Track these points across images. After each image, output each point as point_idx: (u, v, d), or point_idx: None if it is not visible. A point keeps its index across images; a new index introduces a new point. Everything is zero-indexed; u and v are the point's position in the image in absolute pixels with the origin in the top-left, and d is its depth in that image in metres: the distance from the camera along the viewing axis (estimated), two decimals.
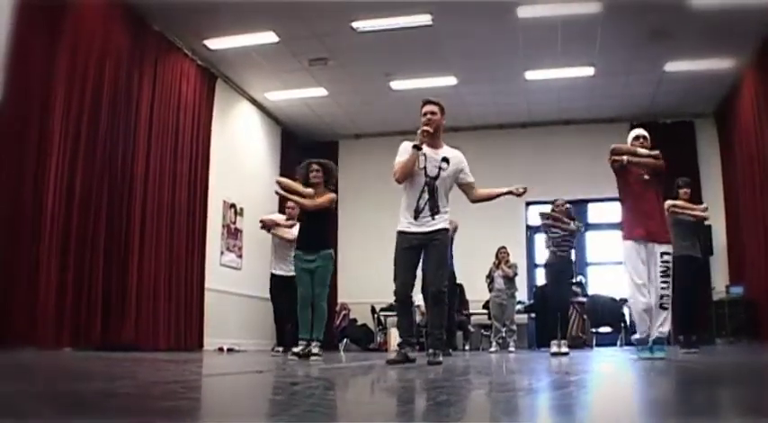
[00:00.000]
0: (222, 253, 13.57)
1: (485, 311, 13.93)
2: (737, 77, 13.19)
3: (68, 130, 9.16)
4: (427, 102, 6.73)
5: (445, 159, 6.61)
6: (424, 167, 6.54)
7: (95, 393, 2.86)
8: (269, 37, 11.83)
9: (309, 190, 8.36)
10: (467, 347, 14.45)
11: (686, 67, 12.85)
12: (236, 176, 14.13)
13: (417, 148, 6.47)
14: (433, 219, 6.51)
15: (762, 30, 11.10)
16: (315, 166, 8.53)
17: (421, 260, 6.68)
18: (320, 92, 14.39)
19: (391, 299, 7.07)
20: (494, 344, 12.81)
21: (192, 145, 12.26)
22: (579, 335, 13.72)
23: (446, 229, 6.66)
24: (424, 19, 11.25)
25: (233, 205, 14.01)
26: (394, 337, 14.57)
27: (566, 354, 9.43)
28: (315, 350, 8.10)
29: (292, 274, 9.00)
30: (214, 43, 12.16)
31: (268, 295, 10.68)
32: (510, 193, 6.80)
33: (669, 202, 9.05)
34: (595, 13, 10.73)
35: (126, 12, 10.60)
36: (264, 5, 10.78)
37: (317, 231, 8.41)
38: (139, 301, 10.44)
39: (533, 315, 14.40)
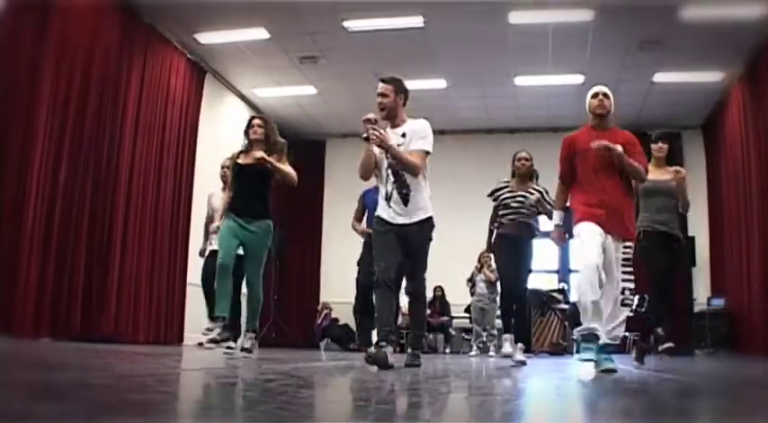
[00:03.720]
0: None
1: (466, 315, 13.95)
2: (726, 91, 13.26)
3: (54, 120, 9.12)
4: (380, 81, 6.12)
5: (404, 135, 5.97)
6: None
7: (67, 383, 2.84)
8: (260, 33, 11.82)
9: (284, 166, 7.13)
10: (447, 350, 14.49)
11: (675, 78, 12.91)
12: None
13: (365, 139, 5.92)
14: (407, 206, 5.93)
15: (751, 44, 11.16)
16: (256, 121, 7.36)
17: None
18: (309, 90, 14.37)
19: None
20: (474, 348, 12.82)
21: (179, 138, 12.22)
22: (559, 341, 13.74)
23: (426, 221, 6.03)
24: (415, 21, 11.26)
25: None
26: (376, 337, 14.57)
27: (509, 356, 7.73)
28: (247, 344, 7.21)
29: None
30: (205, 37, 12.13)
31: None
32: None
33: None
34: (587, 21, 10.75)
35: (116, 3, 10.57)
36: (256, 2, 10.77)
37: (258, 195, 7.11)
38: (120, 293, 10.40)
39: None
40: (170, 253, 11.87)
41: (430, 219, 6.10)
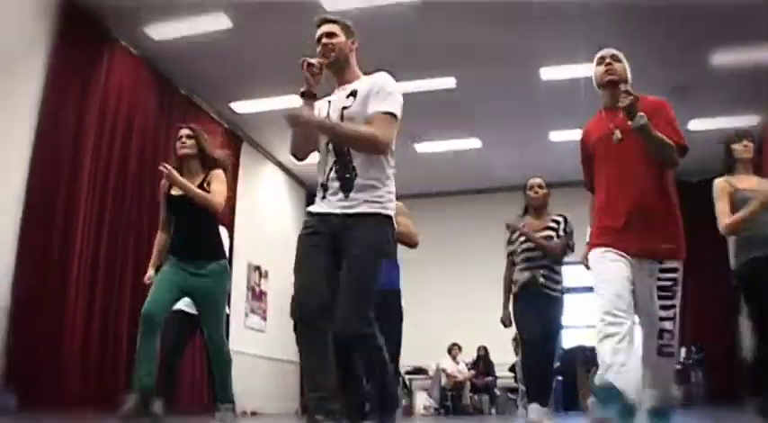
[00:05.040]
0: (247, 315, 13.52)
1: (511, 375, 13.78)
2: (763, 135, 13.15)
3: (96, 187, 9.32)
4: (324, 21, 4.22)
5: (353, 93, 4.06)
6: (327, 117, 4.11)
7: None
8: (295, 101, 11.91)
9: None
10: (493, 411, 14.30)
11: (710, 125, 12.82)
12: (260, 239, 14.16)
13: (306, 96, 4.15)
14: (347, 195, 3.87)
15: None
16: (184, 131, 5.85)
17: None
18: None
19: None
20: (520, 408, 12.63)
21: None
22: None
23: (378, 217, 3.83)
24: (448, 82, 11.35)
25: (258, 267, 14.02)
26: (420, 400, 14.42)
27: None
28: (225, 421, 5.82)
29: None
30: (240, 106, 12.31)
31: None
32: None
33: (718, 182, 5.69)
34: None
35: (153, 74, 10.87)
36: (290, 69, 10.89)
37: (202, 230, 5.64)
38: None
39: (560, 378, 14.23)
40: None
41: (387, 219, 3.90)
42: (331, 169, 3.99)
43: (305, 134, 4.19)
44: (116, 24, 9.86)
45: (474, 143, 13.89)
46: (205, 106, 12.15)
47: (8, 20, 8.32)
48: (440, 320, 14.60)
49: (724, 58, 10.42)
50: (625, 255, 4.05)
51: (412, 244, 6.18)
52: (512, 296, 6.62)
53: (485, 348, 14.57)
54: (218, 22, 9.77)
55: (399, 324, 6.06)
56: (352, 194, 3.87)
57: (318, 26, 4.21)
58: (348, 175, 3.91)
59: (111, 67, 9.82)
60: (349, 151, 3.94)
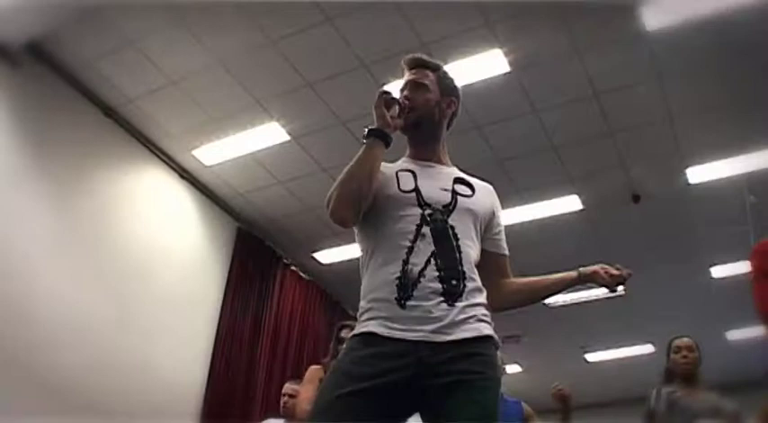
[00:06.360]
0: None
1: None
2: None
3: (269, 400, 9.58)
4: (416, 63, 2.79)
5: (464, 182, 2.68)
6: (415, 189, 2.56)
7: None
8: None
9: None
10: None
11: None
12: None
13: (378, 135, 2.52)
14: (452, 305, 2.36)
15: None
16: (347, 329, 4.98)
17: None
18: (514, 368, 14.22)
19: None
20: None
21: None
22: None
23: (492, 342, 2.43)
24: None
25: None
26: None
27: None
28: None
29: None
30: None
31: None
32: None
33: None
34: None
35: (322, 294, 11.52)
36: None
37: None
38: None
39: None
40: None
41: (497, 345, 2.48)
42: (430, 259, 2.43)
43: (366, 185, 2.50)
44: (287, 251, 10.70)
45: (647, 349, 13.43)
46: None
47: (194, 240, 9.36)
48: None
49: None
50: None
51: None
52: None
53: None
54: None
55: None
56: (459, 305, 2.39)
57: (409, 69, 2.81)
58: (455, 282, 2.42)
59: (284, 287, 10.55)
60: (460, 245, 2.51)
